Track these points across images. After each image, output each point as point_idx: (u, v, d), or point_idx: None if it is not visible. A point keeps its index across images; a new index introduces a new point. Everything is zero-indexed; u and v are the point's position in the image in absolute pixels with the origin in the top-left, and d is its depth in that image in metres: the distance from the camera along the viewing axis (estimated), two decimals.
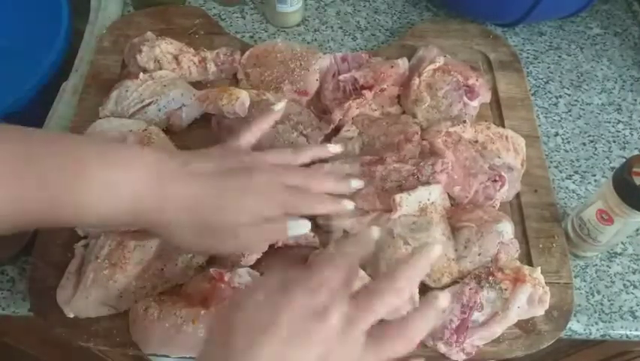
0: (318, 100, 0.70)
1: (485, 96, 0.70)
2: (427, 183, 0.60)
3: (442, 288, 0.57)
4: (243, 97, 0.64)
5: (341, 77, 0.69)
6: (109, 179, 0.41)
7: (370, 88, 0.68)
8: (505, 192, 0.62)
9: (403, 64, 0.71)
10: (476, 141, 0.65)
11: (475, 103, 0.68)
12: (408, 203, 0.58)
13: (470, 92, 0.68)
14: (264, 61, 0.72)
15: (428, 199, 0.59)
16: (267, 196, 0.46)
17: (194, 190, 0.44)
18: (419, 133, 0.65)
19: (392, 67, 0.70)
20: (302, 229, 0.50)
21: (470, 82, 0.68)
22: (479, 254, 0.58)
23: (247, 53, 0.73)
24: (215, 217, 0.45)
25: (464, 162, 0.62)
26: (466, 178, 0.62)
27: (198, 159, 0.46)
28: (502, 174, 0.61)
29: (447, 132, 0.64)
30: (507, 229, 0.59)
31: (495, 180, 0.61)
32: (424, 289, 0.57)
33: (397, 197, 0.58)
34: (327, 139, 0.66)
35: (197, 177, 0.44)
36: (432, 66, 0.69)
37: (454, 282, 0.57)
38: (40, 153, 0.40)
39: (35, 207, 0.39)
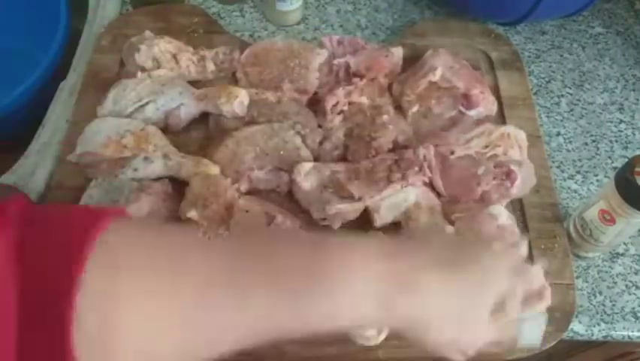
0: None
1: (489, 109, 0.69)
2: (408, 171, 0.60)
3: None
4: (242, 96, 0.64)
5: (335, 62, 0.69)
6: (345, 282, 0.37)
7: (361, 77, 0.68)
8: (520, 187, 0.61)
9: (397, 53, 0.71)
10: (483, 151, 0.64)
11: (473, 112, 0.68)
12: (386, 209, 0.60)
13: (467, 100, 0.67)
14: (263, 59, 0.71)
15: (405, 201, 0.60)
16: (496, 284, 0.43)
17: (438, 282, 0.40)
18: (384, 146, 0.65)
19: (387, 56, 0.70)
20: (536, 335, 0.49)
21: (471, 92, 0.67)
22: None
23: (246, 51, 0.73)
24: (463, 311, 0.42)
25: (460, 171, 0.62)
26: (467, 184, 0.61)
27: (428, 250, 0.42)
28: (511, 167, 0.61)
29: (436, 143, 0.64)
30: (499, 210, 0.59)
31: (503, 179, 0.61)
32: None
33: (372, 204, 0.59)
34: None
35: (436, 263, 0.41)
36: (426, 79, 0.68)
37: None
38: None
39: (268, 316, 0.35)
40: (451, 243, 0.45)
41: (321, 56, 0.71)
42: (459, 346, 0.43)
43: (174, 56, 0.69)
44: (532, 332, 0.48)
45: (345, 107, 0.67)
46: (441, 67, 0.69)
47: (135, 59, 0.68)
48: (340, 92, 0.66)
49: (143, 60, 0.68)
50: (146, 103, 0.65)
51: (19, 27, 0.87)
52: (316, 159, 0.64)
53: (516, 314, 0.44)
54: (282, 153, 0.63)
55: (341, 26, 0.82)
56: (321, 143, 0.66)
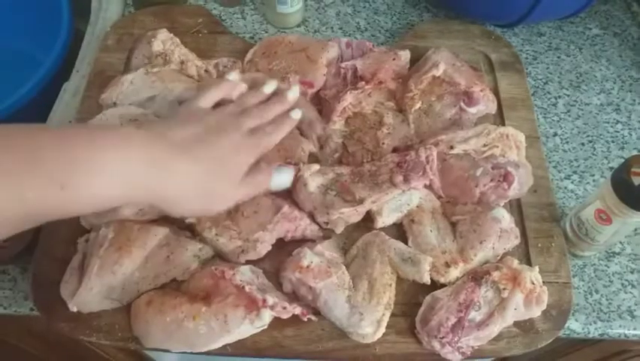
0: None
1: (489, 107, 0.70)
2: (411, 174, 0.60)
3: (453, 283, 0.58)
4: (243, 90, 0.64)
5: (343, 65, 0.70)
6: (99, 163, 0.42)
7: (368, 81, 0.68)
8: (517, 188, 0.62)
9: (404, 56, 0.71)
10: (482, 150, 0.65)
11: (474, 110, 0.69)
12: (388, 212, 0.60)
13: (468, 97, 0.68)
14: (273, 50, 0.72)
15: (408, 204, 0.61)
16: (244, 150, 0.52)
17: (186, 165, 0.48)
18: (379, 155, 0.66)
19: (394, 59, 0.70)
20: (285, 179, 0.58)
21: (472, 89, 0.68)
22: (481, 242, 0.58)
23: (257, 44, 0.74)
24: (210, 183, 0.50)
25: (458, 172, 0.63)
26: (465, 185, 0.62)
27: (178, 129, 0.50)
28: (509, 169, 0.62)
29: (435, 142, 0.64)
30: (503, 214, 0.60)
31: (500, 181, 0.61)
32: (434, 284, 0.58)
33: (375, 206, 0.60)
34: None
35: (184, 150, 0.48)
36: (430, 73, 0.69)
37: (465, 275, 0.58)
38: (23, 145, 0.40)
39: (34, 202, 0.40)
40: (197, 122, 0.52)
41: (330, 53, 0.71)
42: (211, 211, 0.53)
43: (182, 63, 0.70)
44: (282, 179, 0.58)
45: (351, 113, 0.68)
46: (443, 63, 0.70)
47: (151, 45, 0.69)
48: (349, 96, 0.67)
49: (156, 46, 0.69)
50: (150, 98, 0.65)
51: (22, 28, 0.88)
52: (317, 162, 0.65)
53: (269, 170, 0.56)
54: (286, 146, 0.63)
55: (340, 28, 0.83)
56: (321, 146, 0.67)
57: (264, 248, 0.57)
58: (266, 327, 0.54)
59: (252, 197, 0.56)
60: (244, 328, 0.53)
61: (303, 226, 0.59)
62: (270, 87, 0.60)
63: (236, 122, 0.53)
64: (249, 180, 0.53)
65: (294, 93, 0.60)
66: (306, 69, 0.70)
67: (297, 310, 0.54)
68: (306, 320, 0.55)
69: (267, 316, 0.53)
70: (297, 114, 0.59)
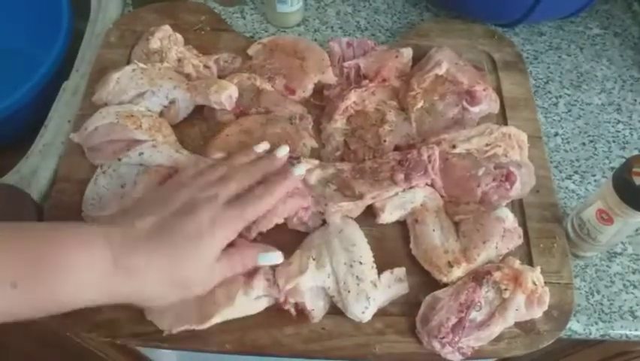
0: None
1: (492, 106, 0.70)
2: (412, 174, 0.60)
3: (455, 282, 0.57)
4: (231, 90, 0.64)
5: (346, 64, 0.70)
6: (62, 268, 0.41)
7: (372, 79, 0.68)
8: (519, 188, 0.62)
9: (406, 53, 0.71)
10: (484, 149, 0.65)
11: (476, 109, 0.68)
12: (392, 209, 0.60)
13: (471, 96, 0.68)
14: (274, 49, 0.72)
15: (412, 202, 0.61)
16: (218, 226, 0.47)
17: (146, 260, 0.44)
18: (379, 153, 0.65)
19: (396, 57, 0.70)
20: (273, 260, 0.52)
21: (474, 88, 0.68)
22: (484, 241, 0.58)
23: (268, 38, 0.74)
24: (181, 272, 0.45)
25: (460, 172, 0.62)
26: (467, 185, 0.62)
27: (144, 217, 0.46)
28: (511, 169, 0.61)
29: (437, 140, 0.64)
30: (507, 213, 0.60)
31: (502, 180, 0.61)
32: (436, 284, 0.58)
33: (378, 203, 0.60)
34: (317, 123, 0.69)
35: (144, 243, 0.45)
36: (433, 72, 0.69)
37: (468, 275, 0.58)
38: None
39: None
40: (164, 204, 0.47)
41: (325, 76, 0.70)
42: (191, 296, 0.48)
43: (179, 60, 0.69)
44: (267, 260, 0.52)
45: (353, 112, 0.68)
46: (446, 61, 0.70)
47: (148, 42, 0.69)
48: (353, 95, 0.67)
49: (154, 42, 0.69)
50: (140, 94, 0.65)
51: (22, 28, 0.88)
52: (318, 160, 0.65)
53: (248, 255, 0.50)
54: (287, 141, 0.63)
55: (340, 28, 0.83)
56: (323, 145, 0.67)
57: (273, 220, 0.55)
58: (262, 300, 0.54)
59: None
60: (241, 301, 0.52)
61: (313, 210, 0.59)
62: (262, 147, 0.57)
63: (212, 193, 0.48)
64: (224, 262, 0.48)
65: (283, 152, 0.56)
66: (294, 76, 0.69)
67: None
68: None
69: (260, 285, 0.53)
70: (300, 169, 0.55)
